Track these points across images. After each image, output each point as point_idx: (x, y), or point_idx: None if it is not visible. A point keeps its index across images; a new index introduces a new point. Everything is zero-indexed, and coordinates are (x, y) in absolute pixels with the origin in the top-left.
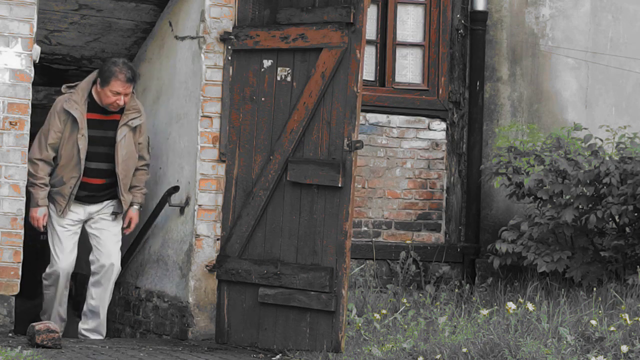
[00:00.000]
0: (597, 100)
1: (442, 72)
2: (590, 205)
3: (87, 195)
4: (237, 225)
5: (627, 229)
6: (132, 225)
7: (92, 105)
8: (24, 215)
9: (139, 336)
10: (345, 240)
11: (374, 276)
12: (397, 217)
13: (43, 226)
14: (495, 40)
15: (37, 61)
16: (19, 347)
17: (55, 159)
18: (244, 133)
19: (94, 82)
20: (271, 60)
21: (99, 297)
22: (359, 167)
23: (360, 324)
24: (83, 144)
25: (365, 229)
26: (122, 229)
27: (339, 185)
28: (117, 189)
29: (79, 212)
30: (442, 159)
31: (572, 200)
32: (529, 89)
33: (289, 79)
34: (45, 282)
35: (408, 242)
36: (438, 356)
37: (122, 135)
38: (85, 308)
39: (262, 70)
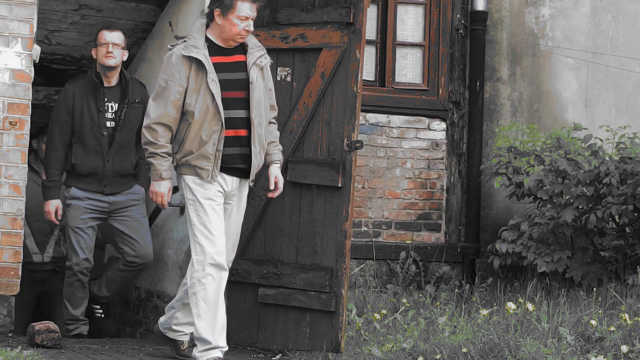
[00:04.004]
0: (597, 100)
1: (442, 72)
2: (590, 205)
3: (230, 154)
4: None
5: (627, 229)
6: (280, 186)
7: (212, 49)
8: (24, 215)
9: (139, 336)
10: (345, 240)
11: (374, 276)
12: (397, 217)
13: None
14: (495, 40)
15: (37, 61)
16: (19, 347)
17: (179, 122)
18: None
19: (207, 25)
20: (271, 60)
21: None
22: (359, 167)
23: (360, 324)
24: (216, 90)
25: (365, 229)
26: (268, 191)
27: (339, 185)
28: (250, 139)
29: (223, 182)
30: (442, 159)
31: (572, 200)
32: (529, 89)
33: (288, 79)
34: (196, 286)
35: (408, 242)
36: (438, 356)
37: (254, 76)
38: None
39: None
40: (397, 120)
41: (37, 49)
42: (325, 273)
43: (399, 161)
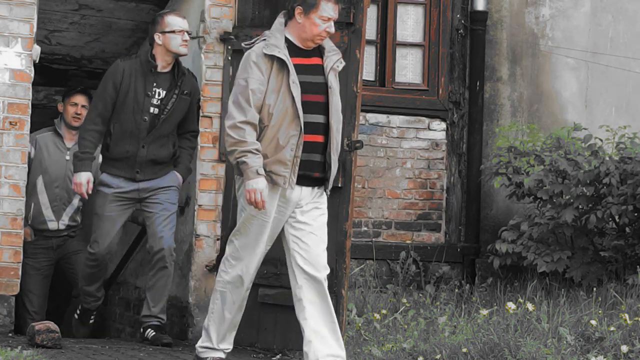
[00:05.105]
0: (597, 100)
1: (442, 72)
2: (590, 205)
3: (306, 161)
4: None
5: (627, 229)
6: None
7: (291, 49)
8: (24, 215)
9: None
10: (345, 240)
11: (374, 276)
12: (397, 217)
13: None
14: (495, 40)
15: (37, 61)
16: (19, 347)
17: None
18: None
19: (285, 24)
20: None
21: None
22: (359, 167)
23: (360, 324)
24: (297, 92)
25: (365, 229)
26: None
27: (339, 185)
28: (328, 146)
29: (290, 191)
30: (442, 159)
31: (572, 200)
32: (529, 89)
33: None
34: (220, 284)
35: (408, 242)
36: (438, 356)
37: (332, 80)
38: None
39: None
40: (397, 120)
41: (37, 49)
42: None
43: (399, 161)
